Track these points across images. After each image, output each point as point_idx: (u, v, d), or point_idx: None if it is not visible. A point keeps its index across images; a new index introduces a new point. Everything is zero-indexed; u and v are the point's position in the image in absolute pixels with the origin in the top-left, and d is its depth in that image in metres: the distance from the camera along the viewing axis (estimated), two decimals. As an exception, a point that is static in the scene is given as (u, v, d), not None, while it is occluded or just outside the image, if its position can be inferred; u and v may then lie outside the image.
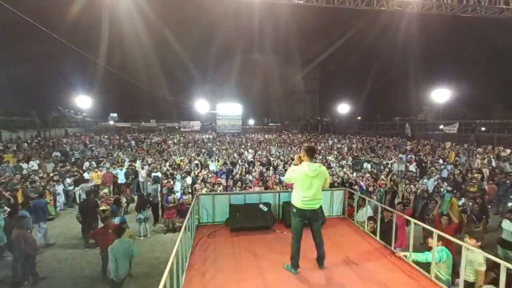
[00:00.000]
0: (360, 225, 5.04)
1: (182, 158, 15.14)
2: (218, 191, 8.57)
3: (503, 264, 2.38)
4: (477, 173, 10.89)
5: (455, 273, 3.54)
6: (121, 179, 11.10)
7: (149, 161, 13.59)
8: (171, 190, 8.40)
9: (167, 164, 12.98)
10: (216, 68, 62.99)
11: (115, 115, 49.35)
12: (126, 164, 13.06)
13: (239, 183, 9.32)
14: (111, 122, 45.91)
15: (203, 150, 18.45)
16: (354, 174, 11.03)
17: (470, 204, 7.23)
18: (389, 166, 12.87)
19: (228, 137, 32.82)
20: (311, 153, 3.57)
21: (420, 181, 9.93)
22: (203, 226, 5.10)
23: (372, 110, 55.09)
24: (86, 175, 11.02)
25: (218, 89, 64.60)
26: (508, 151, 17.67)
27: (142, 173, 11.49)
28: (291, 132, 46.05)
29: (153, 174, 10.70)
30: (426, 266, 3.50)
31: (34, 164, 12.86)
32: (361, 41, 48.36)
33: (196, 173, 10.87)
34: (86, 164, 12.87)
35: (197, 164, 12.43)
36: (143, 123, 48.53)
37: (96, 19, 34.24)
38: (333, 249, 4.04)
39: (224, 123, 42.34)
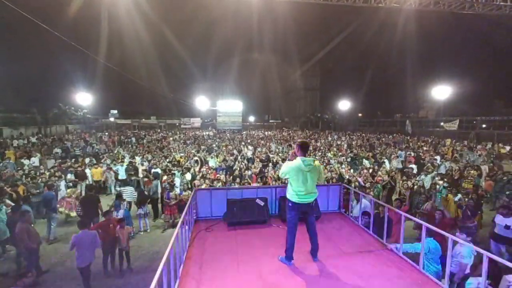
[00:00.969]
0: (355, 219, 5.14)
1: (182, 154, 15.26)
2: (217, 187, 8.69)
3: (486, 254, 2.48)
4: (474, 170, 10.99)
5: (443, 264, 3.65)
6: (122, 175, 11.23)
7: (149, 158, 13.72)
8: (172, 186, 8.50)
9: (167, 160, 13.10)
10: (216, 65, 62.81)
11: (115, 112, 49.42)
12: (127, 160, 13.19)
13: (238, 179, 9.44)
14: (112, 119, 46.00)
15: (202, 147, 18.54)
16: (352, 171, 11.13)
17: (466, 200, 7.33)
18: (385, 163, 12.93)
19: (228, 134, 32.91)
20: (305, 148, 3.67)
21: (418, 177, 10.03)
22: (201, 220, 5.21)
23: (372, 107, 54.90)
24: (87, 171, 11.16)
25: (219, 86, 64.42)
26: (508, 148, 17.72)
27: (141, 170, 11.60)
28: (292, 129, 46.03)
29: (152, 170, 10.82)
30: (416, 257, 3.61)
31: (35, 161, 13.00)
32: (361, 38, 48.07)
33: (196, 170, 10.98)
34: (87, 160, 13.01)
35: (196, 161, 12.54)
36: (143, 120, 48.60)
37: (97, 16, 34.16)
38: (327, 242, 4.14)
39: (225, 120, 42.45)
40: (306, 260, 3.65)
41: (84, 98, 33.47)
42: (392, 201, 8.20)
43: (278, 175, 9.75)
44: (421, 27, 31.67)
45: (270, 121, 62.44)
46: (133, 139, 24.46)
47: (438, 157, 14.19)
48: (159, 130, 39.50)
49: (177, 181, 9.31)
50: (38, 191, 8.26)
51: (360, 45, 51.36)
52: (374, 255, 3.80)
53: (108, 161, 12.77)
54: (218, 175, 10.08)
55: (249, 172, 10.42)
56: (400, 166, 13.05)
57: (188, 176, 10.01)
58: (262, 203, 5.05)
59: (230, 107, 42.89)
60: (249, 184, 9.20)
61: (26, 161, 12.78)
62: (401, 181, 9.36)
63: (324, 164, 11.70)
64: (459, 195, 7.74)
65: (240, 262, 3.62)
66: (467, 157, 15.00)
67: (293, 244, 3.55)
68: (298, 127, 50.91)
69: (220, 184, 9.00)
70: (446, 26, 33.84)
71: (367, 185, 8.81)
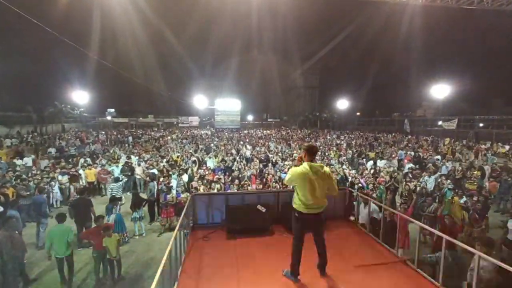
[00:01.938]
0: (362, 226, 4.86)
1: (179, 154, 14.92)
2: (217, 188, 8.39)
3: (478, 254, 2.24)
4: (477, 171, 10.78)
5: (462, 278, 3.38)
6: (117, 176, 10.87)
7: (145, 158, 13.37)
8: (169, 188, 8.19)
9: (164, 160, 12.77)
10: (214, 63, 62.22)
11: (112, 110, 48.71)
12: (123, 160, 12.84)
13: (236, 181, 9.14)
14: (109, 118, 45.38)
15: (200, 146, 18.19)
16: (353, 171, 10.88)
17: (473, 201, 7.09)
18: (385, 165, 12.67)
19: (226, 133, 32.56)
20: (313, 153, 3.31)
21: (421, 179, 9.79)
22: (199, 227, 4.91)
23: (371, 106, 54.85)
24: (81, 172, 10.81)
25: (217, 85, 63.88)
26: (507, 147, 17.59)
27: (138, 170, 11.27)
28: (290, 127, 45.75)
29: (149, 171, 10.49)
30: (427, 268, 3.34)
31: (28, 161, 12.60)
32: (360, 37, 47.83)
33: (193, 171, 10.66)
34: (81, 161, 12.64)
35: (194, 161, 12.22)
36: (141, 118, 48.04)
37: (93, 13, 33.68)
38: (335, 253, 3.84)
39: (223, 118, 42.12)
40: (313, 275, 3.35)
41: (80, 97, 32.96)
42: (396, 203, 7.97)
43: (279, 177, 9.47)
44: (420, 26, 31.43)
45: (269, 119, 62.04)
46: (130, 138, 24.01)
47: (439, 157, 13.96)
48: (156, 129, 39.03)
49: (174, 183, 8.99)
50: (28, 193, 7.90)
51: (359, 44, 51.01)
52: (387, 269, 3.51)
53: (103, 162, 12.41)
54: (217, 176, 9.77)
55: (249, 173, 10.13)
56: (396, 165, 12.91)
57: (185, 178, 9.69)
58: (264, 210, 4.75)
59: (229, 106, 42.53)
60: (249, 185, 8.91)
61: (18, 162, 12.38)
62: (404, 182, 9.13)
63: (325, 165, 11.41)
64: (465, 198, 7.50)
65: (241, 279, 3.31)
66: (467, 156, 14.84)
67: (299, 260, 3.23)
68: (296, 125, 50.60)
69: (218, 186, 8.68)
70: (446, 24, 33.70)
71: (370, 186, 8.53)
